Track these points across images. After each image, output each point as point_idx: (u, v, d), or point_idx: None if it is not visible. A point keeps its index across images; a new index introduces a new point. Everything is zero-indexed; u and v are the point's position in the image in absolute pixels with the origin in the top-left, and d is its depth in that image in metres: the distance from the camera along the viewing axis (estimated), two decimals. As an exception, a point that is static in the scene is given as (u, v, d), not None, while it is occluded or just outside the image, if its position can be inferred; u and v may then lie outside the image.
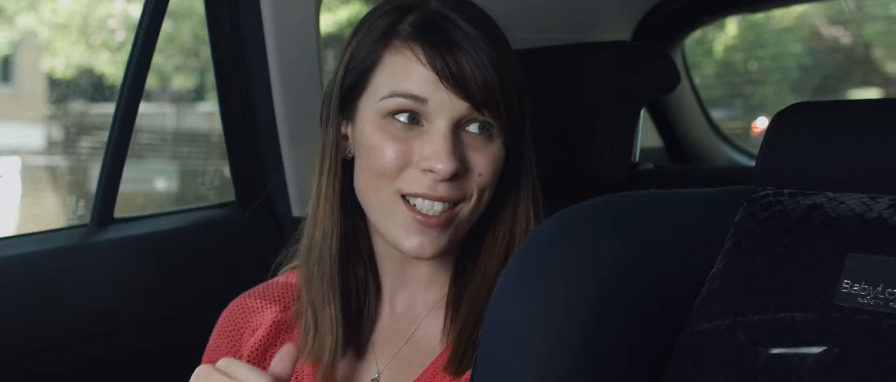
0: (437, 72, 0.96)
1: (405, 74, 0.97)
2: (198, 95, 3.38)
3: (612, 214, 0.86)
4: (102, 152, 1.47)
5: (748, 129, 2.94)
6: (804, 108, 0.88)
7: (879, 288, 0.72)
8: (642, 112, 1.58)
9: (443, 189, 0.98)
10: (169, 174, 3.30)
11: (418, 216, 0.98)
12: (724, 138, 2.47)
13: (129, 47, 1.47)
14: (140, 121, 1.52)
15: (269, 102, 1.62)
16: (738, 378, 0.75)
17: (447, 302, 1.06)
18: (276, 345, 1.09)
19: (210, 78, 1.65)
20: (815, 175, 0.83)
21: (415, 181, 0.98)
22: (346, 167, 1.05)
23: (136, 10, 1.47)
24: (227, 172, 1.70)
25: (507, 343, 0.81)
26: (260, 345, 1.09)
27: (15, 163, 3.10)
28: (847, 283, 0.74)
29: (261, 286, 1.15)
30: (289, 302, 1.12)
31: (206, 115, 3.34)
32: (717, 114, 2.61)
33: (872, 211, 0.77)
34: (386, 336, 1.08)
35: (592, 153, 1.42)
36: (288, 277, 1.14)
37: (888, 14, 2.87)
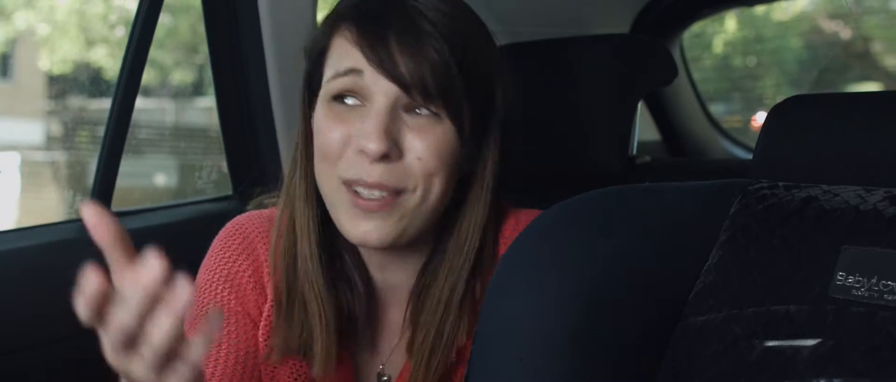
0: (364, 52, 0.93)
1: (343, 54, 0.95)
2: (196, 89, 3.38)
3: (606, 208, 0.86)
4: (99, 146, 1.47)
5: (748, 122, 2.95)
6: (801, 101, 0.88)
7: (874, 280, 0.72)
8: (640, 105, 1.57)
9: (376, 173, 0.93)
10: (167, 169, 3.30)
11: (360, 201, 0.95)
12: (722, 132, 2.47)
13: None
14: (138, 116, 1.51)
15: (265, 96, 1.61)
16: (733, 370, 0.75)
17: (410, 295, 1.03)
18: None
19: (208, 73, 1.65)
20: (811, 168, 0.83)
21: (352, 166, 0.94)
22: None
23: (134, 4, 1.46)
24: (224, 166, 1.70)
25: (502, 336, 0.81)
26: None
27: (14, 158, 3.10)
28: (841, 275, 0.74)
29: (258, 222, 1.11)
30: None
31: (204, 110, 3.34)
32: (716, 108, 2.61)
33: (867, 203, 0.77)
34: (388, 331, 1.07)
35: (590, 146, 1.42)
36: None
37: (887, 8, 2.87)
